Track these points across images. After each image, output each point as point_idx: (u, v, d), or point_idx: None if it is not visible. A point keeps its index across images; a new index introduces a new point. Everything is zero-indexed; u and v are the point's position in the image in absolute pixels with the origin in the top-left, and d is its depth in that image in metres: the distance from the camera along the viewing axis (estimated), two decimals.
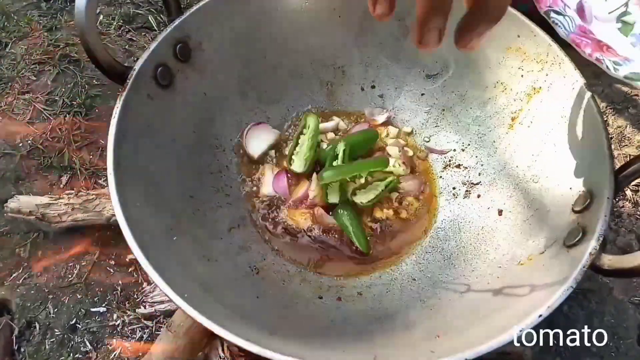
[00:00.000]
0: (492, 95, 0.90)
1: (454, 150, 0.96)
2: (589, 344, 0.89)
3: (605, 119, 0.66)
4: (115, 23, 1.49)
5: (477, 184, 0.91)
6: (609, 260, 0.60)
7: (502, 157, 0.89)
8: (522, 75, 0.85)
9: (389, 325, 0.73)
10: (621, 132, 1.26)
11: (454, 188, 0.93)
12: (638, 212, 1.15)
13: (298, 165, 0.92)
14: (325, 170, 0.85)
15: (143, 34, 1.51)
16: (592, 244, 0.61)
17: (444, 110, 0.97)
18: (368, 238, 0.86)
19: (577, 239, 0.65)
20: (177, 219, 0.76)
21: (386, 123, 1.00)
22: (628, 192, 1.16)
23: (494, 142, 0.90)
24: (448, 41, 0.93)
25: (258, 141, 0.94)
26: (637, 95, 1.30)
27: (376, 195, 0.87)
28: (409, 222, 0.89)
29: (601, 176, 0.67)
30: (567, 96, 0.78)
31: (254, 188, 0.92)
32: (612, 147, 1.14)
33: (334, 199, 0.86)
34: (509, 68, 0.87)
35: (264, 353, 0.55)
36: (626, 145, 1.24)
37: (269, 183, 0.90)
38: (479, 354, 0.55)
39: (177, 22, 0.81)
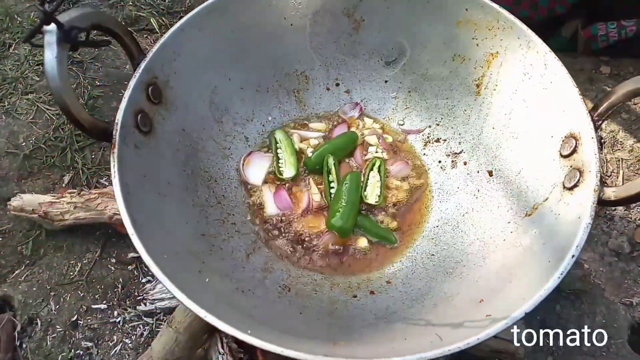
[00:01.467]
0: (453, 68, 0.96)
1: (430, 126, 1.01)
2: (581, 344, 0.95)
3: (581, 98, 0.72)
4: None
5: (460, 152, 0.97)
6: (614, 192, 0.67)
7: (476, 123, 0.95)
8: (477, 45, 0.91)
9: (428, 302, 0.77)
10: (614, 136, 1.31)
11: (439, 162, 0.98)
12: (629, 216, 1.20)
13: (288, 171, 0.95)
14: (333, 218, 0.87)
15: (145, 36, 1.50)
16: (594, 181, 0.68)
17: (410, 92, 1.02)
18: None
19: (577, 180, 0.71)
20: (200, 260, 0.75)
21: (361, 116, 1.03)
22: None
23: (465, 110, 0.96)
24: (399, 26, 0.98)
25: (256, 169, 0.95)
26: (629, 101, 1.38)
27: (380, 186, 0.91)
28: (410, 203, 0.94)
29: (578, 118, 0.74)
30: (525, 54, 0.85)
31: (257, 210, 0.92)
32: (605, 151, 1.24)
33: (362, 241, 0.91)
34: (463, 40, 0.93)
35: None
36: (619, 149, 1.30)
37: (271, 203, 0.91)
38: (534, 305, 0.60)
39: (143, 64, 0.79)
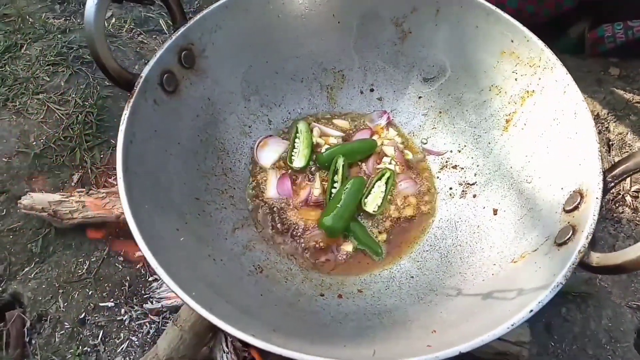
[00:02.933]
0: (487, 98, 0.93)
1: (451, 151, 0.99)
2: (586, 347, 0.92)
3: (607, 125, 0.68)
4: (127, 26, 1.54)
5: (472, 184, 0.94)
6: (597, 258, 0.63)
7: (497, 158, 0.91)
8: (515, 79, 0.88)
9: (387, 320, 0.76)
10: (622, 138, 1.27)
11: (450, 188, 0.96)
12: (637, 218, 1.16)
13: (298, 161, 0.97)
14: (325, 217, 0.88)
15: (154, 36, 1.55)
16: (581, 242, 0.64)
17: (440, 112, 1.00)
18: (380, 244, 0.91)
19: (567, 238, 0.68)
20: (184, 220, 0.79)
21: (387, 126, 1.03)
22: (628, 198, 1.18)
23: (489, 143, 0.93)
24: (444, 45, 0.97)
25: (269, 152, 0.99)
26: (638, 102, 1.31)
27: (382, 197, 0.91)
28: (408, 222, 0.92)
29: (590, 176, 0.70)
30: (559, 99, 0.81)
31: (258, 190, 0.95)
32: (613, 153, 1.17)
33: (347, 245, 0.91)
34: (503, 72, 0.90)
35: (268, 348, 0.58)
36: (627, 152, 1.26)
37: (273, 187, 0.94)
38: (473, 347, 0.58)
39: (181, 30, 0.84)
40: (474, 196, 0.92)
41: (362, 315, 0.79)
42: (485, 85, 0.93)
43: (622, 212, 1.17)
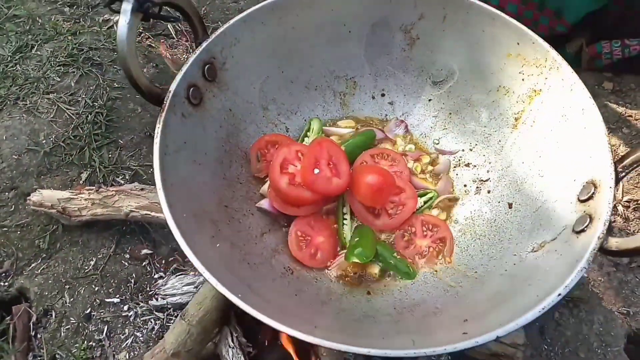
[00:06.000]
0: (496, 98, 0.98)
1: (463, 150, 1.03)
2: (578, 351, 0.96)
3: (609, 147, 0.73)
4: None
5: (486, 180, 0.98)
6: (616, 242, 0.68)
7: (508, 155, 0.96)
8: (522, 79, 0.93)
9: (418, 313, 0.80)
10: (615, 150, 1.32)
11: (465, 185, 1.00)
12: (629, 227, 1.21)
13: None
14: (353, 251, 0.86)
15: (162, 40, 1.59)
16: (600, 229, 0.69)
17: (450, 114, 1.05)
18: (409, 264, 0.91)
19: (585, 226, 0.72)
20: (217, 227, 0.82)
21: (406, 134, 1.08)
22: (619, 208, 1.22)
23: (500, 141, 0.98)
24: (452, 50, 1.01)
25: None
26: (630, 115, 1.37)
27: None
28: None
29: (602, 167, 0.75)
30: (566, 96, 0.85)
31: None
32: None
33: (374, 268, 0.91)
34: (510, 73, 0.95)
35: (313, 341, 0.62)
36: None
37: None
38: (508, 332, 0.62)
39: (204, 44, 0.88)
40: (489, 192, 0.97)
41: (392, 309, 0.82)
42: (493, 86, 0.98)
43: (614, 222, 1.22)
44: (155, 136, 0.77)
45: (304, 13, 0.98)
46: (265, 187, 0.95)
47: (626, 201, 1.23)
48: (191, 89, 0.86)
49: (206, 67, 0.89)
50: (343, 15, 1.01)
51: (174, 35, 1.60)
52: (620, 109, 1.39)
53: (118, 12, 0.76)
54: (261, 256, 0.87)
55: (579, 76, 0.84)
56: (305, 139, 1.03)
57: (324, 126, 1.06)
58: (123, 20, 0.76)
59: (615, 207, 1.21)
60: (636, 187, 1.23)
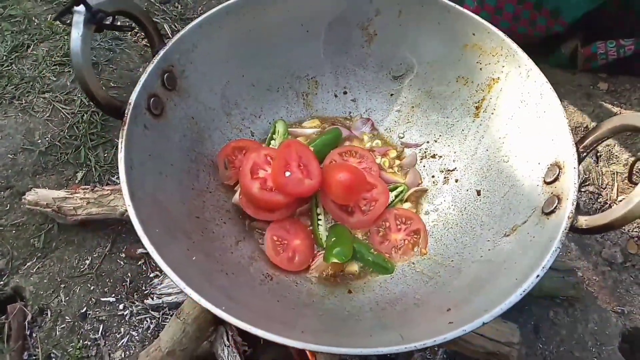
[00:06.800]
0: (456, 89, 1.00)
1: (428, 142, 1.05)
2: (573, 349, 0.99)
3: (569, 129, 0.76)
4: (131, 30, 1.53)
5: (453, 170, 1.00)
6: (585, 220, 0.71)
7: (472, 143, 0.98)
8: (480, 69, 0.95)
9: (400, 307, 0.81)
10: (609, 150, 1.35)
11: (433, 177, 1.02)
12: (623, 227, 1.23)
13: None
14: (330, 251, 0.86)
15: None
16: (569, 209, 0.71)
17: (413, 107, 1.06)
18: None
19: (554, 207, 0.75)
20: (191, 239, 0.80)
21: (372, 131, 1.08)
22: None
23: (463, 130, 1.00)
24: (409, 44, 1.02)
25: None
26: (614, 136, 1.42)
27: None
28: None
29: (565, 149, 0.78)
30: (524, 83, 0.88)
31: None
32: (601, 164, 1.27)
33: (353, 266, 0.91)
34: (468, 63, 0.97)
35: (305, 347, 0.61)
36: (614, 163, 1.33)
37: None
38: (494, 317, 0.63)
39: (161, 52, 0.85)
40: (456, 180, 0.99)
41: (375, 305, 0.83)
42: (452, 77, 1.00)
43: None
44: (119, 151, 0.74)
45: (261, 15, 0.96)
46: (237, 196, 0.93)
47: (620, 201, 1.25)
48: (152, 99, 0.83)
49: (165, 76, 0.86)
50: (300, 16, 1.00)
51: (170, 35, 1.57)
52: (615, 109, 1.42)
53: (70, 24, 0.72)
54: (239, 265, 0.85)
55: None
56: (272, 142, 1.02)
57: (289, 128, 1.05)
58: (76, 33, 0.72)
59: (610, 206, 1.24)
60: (630, 187, 1.26)
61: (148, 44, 1.51)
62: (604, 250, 1.18)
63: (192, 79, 0.92)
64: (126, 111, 0.78)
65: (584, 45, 1.45)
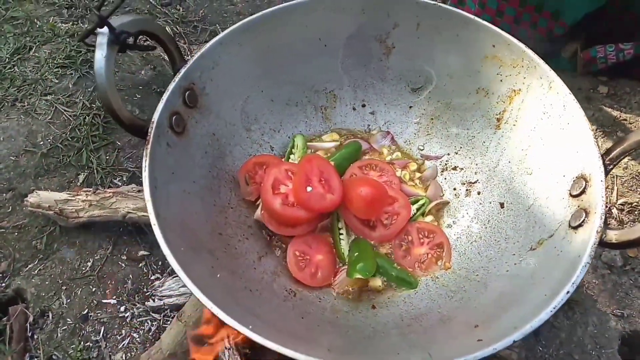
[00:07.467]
0: (476, 101, 0.99)
1: (448, 154, 1.04)
2: (572, 352, 0.98)
3: (595, 141, 0.74)
4: None
5: (475, 182, 0.99)
6: (615, 235, 0.69)
7: (493, 155, 0.97)
8: (501, 80, 0.95)
9: (426, 322, 0.80)
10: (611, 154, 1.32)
11: (454, 189, 1.01)
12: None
13: None
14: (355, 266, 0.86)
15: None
16: (597, 222, 0.70)
17: (432, 119, 1.05)
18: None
19: (582, 220, 0.73)
20: (214, 257, 0.80)
21: (392, 144, 1.08)
22: (614, 211, 1.24)
23: (484, 142, 0.99)
24: (427, 56, 1.02)
25: None
26: (625, 119, 1.39)
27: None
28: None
29: (591, 161, 0.77)
30: (546, 94, 0.87)
31: None
32: None
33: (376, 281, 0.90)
34: (488, 75, 0.96)
35: None
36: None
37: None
38: (524, 334, 0.62)
39: (182, 71, 0.86)
40: (479, 193, 0.98)
41: (400, 321, 0.82)
42: (472, 89, 0.99)
43: (609, 224, 1.21)
44: (143, 170, 0.75)
45: (279, 31, 0.97)
46: (258, 212, 0.93)
47: (620, 204, 1.24)
48: (174, 117, 0.84)
49: (186, 94, 0.87)
50: (317, 30, 1.00)
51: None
52: (615, 113, 1.41)
53: (93, 46, 0.73)
54: (262, 281, 0.85)
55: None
56: (291, 156, 1.02)
57: (308, 142, 1.05)
58: (100, 54, 0.73)
59: (610, 210, 1.22)
60: (630, 190, 1.26)
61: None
62: (604, 253, 1.17)
63: (213, 96, 0.92)
64: (149, 130, 0.78)
65: (584, 49, 1.45)
